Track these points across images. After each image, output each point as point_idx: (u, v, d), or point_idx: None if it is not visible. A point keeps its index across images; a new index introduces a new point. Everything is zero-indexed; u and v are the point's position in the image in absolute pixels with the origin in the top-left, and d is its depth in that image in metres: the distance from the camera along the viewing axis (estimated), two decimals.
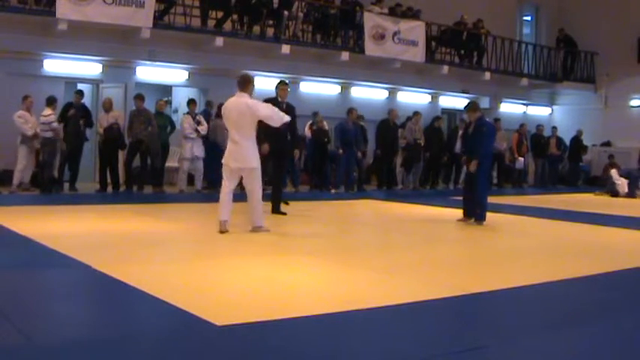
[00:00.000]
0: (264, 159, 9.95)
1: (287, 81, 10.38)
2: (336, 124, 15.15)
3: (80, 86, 15.02)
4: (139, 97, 12.92)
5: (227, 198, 7.83)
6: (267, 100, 10.44)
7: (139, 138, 12.62)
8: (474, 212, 9.65)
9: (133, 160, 12.90)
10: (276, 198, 9.98)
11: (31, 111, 11.93)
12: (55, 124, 11.96)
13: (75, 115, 12.28)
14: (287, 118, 8.07)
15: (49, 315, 4.34)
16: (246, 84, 7.93)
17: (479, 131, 9.58)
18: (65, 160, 12.39)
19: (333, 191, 14.54)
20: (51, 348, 3.60)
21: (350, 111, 14.89)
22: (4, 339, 3.71)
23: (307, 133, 14.86)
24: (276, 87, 10.00)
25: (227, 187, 7.87)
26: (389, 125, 15.75)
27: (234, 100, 7.88)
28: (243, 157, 7.77)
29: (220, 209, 7.80)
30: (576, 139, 19.58)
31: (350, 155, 14.63)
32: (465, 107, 10.14)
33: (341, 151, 14.52)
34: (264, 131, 9.56)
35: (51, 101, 12.12)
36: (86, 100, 15.01)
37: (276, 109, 8.02)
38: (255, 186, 7.90)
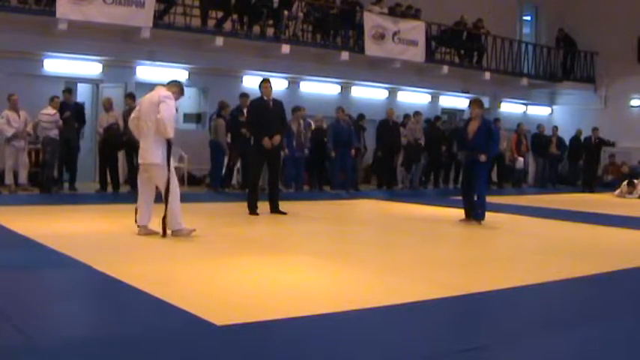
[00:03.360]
0: (256, 161, 9.97)
1: (269, 78, 10.30)
2: (329, 124, 15.08)
3: (80, 86, 15.05)
4: (130, 97, 12.93)
5: (140, 201, 7.57)
6: (253, 101, 10.48)
7: (132, 137, 12.59)
8: (475, 211, 9.63)
9: (131, 160, 12.89)
10: (273, 197, 9.98)
11: (17, 109, 11.88)
12: (60, 122, 11.97)
13: (69, 116, 12.25)
14: (170, 136, 7.31)
15: (50, 315, 4.33)
16: (172, 85, 7.66)
17: (486, 130, 9.55)
18: (62, 160, 12.37)
19: (333, 191, 14.54)
20: (51, 348, 3.60)
21: (338, 110, 14.86)
22: (4, 339, 3.71)
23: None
24: (260, 85, 9.97)
25: (140, 188, 7.65)
26: (388, 125, 15.75)
27: (150, 93, 7.65)
28: (144, 151, 7.47)
29: (138, 214, 7.57)
30: (576, 139, 19.56)
31: (343, 155, 14.59)
32: (472, 101, 10.00)
33: (333, 153, 14.45)
34: (256, 128, 9.62)
35: (52, 100, 12.14)
36: (86, 101, 15.07)
37: (172, 121, 7.36)
38: (161, 185, 7.41)
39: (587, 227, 9.96)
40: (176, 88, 7.65)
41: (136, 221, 7.50)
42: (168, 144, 7.36)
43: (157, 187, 7.53)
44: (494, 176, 17.81)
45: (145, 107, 7.50)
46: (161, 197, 7.40)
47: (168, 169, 7.32)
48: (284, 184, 13.93)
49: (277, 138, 9.71)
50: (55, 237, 7.04)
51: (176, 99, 7.59)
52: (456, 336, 4.21)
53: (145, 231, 7.51)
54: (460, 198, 10.26)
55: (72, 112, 12.36)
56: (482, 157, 9.43)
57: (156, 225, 7.40)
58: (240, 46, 15.24)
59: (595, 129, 18.28)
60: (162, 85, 7.68)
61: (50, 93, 12.43)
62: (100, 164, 13.00)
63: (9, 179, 11.88)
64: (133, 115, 7.77)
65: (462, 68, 19.17)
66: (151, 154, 7.37)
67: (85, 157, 13.89)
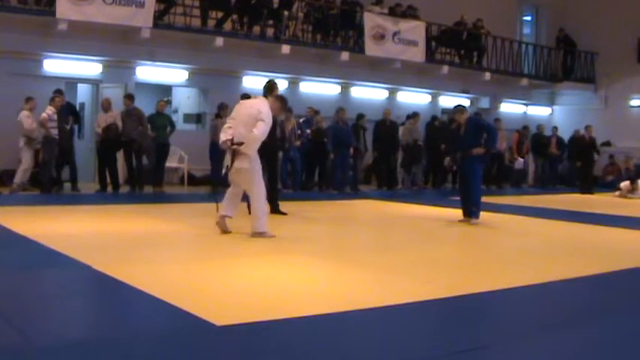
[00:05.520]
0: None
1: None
2: (328, 125, 15.07)
3: (80, 86, 15.06)
4: (129, 97, 12.94)
5: (228, 196, 7.79)
6: None
7: (131, 138, 12.62)
8: (470, 210, 9.68)
9: (130, 160, 12.90)
10: (273, 198, 9.97)
11: (33, 112, 11.93)
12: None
13: (60, 117, 12.24)
14: (249, 153, 7.45)
15: (49, 315, 4.34)
16: (276, 99, 7.91)
17: (474, 127, 9.64)
18: (59, 160, 12.37)
19: (335, 191, 14.55)
20: (51, 348, 3.60)
21: (339, 111, 14.89)
22: (4, 339, 3.71)
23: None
24: (266, 87, 9.89)
25: (231, 187, 7.82)
26: (385, 125, 15.75)
27: (251, 100, 7.88)
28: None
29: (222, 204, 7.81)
30: (574, 139, 19.49)
31: (343, 156, 14.59)
32: (453, 110, 10.25)
33: (332, 155, 14.47)
34: None
35: (53, 100, 12.12)
36: (86, 101, 15.08)
37: (259, 141, 7.50)
38: (247, 188, 7.64)
39: (588, 227, 9.97)
40: (279, 104, 7.84)
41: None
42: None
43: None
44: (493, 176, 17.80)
45: (242, 115, 7.60)
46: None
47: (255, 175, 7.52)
48: (282, 183, 13.92)
49: None
50: (55, 237, 7.04)
51: (275, 114, 7.76)
52: (455, 336, 4.20)
53: (222, 223, 7.64)
54: (459, 198, 10.28)
55: (63, 113, 12.31)
56: (476, 151, 9.54)
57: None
58: (240, 46, 15.24)
59: (588, 127, 17.74)
60: (264, 95, 7.84)
61: (50, 93, 12.42)
62: (99, 164, 13.00)
63: (19, 179, 11.89)
64: (227, 125, 7.74)
65: (462, 68, 19.16)
66: (240, 159, 7.46)
67: (84, 157, 13.90)
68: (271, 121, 7.64)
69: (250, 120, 7.46)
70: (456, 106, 10.34)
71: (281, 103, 7.91)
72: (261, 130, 7.42)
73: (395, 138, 15.79)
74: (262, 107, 7.54)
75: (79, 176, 12.69)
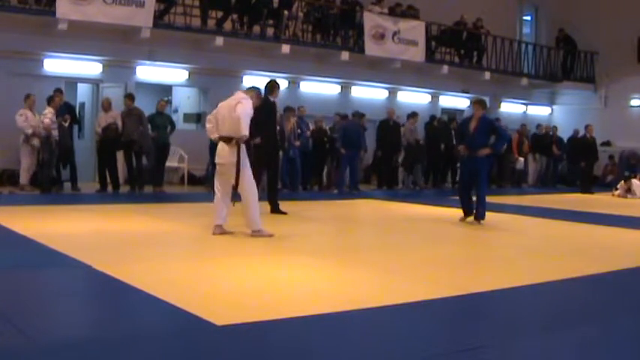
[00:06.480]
0: (256, 161, 9.94)
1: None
2: (338, 124, 15.13)
3: (80, 86, 15.05)
4: (129, 97, 12.93)
5: (216, 202, 7.73)
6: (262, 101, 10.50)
7: (131, 138, 12.61)
8: (476, 210, 9.61)
9: (130, 160, 12.89)
10: (272, 197, 9.98)
11: (33, 110, 11.93)
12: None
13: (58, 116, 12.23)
14: (243, 133, 7.43)
15: (50, 315, 4.34)
16: (249, 90, 8.01)
17: (486, 127, 9.53)
18: (59, 160, 12.37)
19: (335, 191, 14.55)
20: (51, 348, 3.60)
21: (354, 114, 15.09)
22: (4, 339, 3.71)
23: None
24: (267, 87, 9.89)
25: (217, 187, 7.75)
26: (388, 125, 15.77)
27: (230, 97, 7.88)
28: (223, 151, 7.60)
29: (214, 213, 7.75)
30: (574, 139, 19.46)
31: (352, 156, 14.63)
32: (474, 101, 10.03)
33: (343, 150, 14.52)
34: (255, 127, 9.62)
35: (52, 100, 12.12)
36: (86, 101, 15.07)
37: (247, 119, 7.47)
38: (241, 185, 7.54)
39: (588, 227, 9.97)
40: (253, 93, 7.94)
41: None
42: (247, 145, 7.60)
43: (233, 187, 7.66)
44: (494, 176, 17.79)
45: (223, 111, 7.67)
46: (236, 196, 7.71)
47: (240, 168, 7.46)
48: (282, 183, 13.92)
49: (257, 140, 9.54)
50: (55, 237, 7.04)
51: (253, 104, 7.75)
52: (455, 336, 4.21)
53: (220, 230, 7.65)
54: (458, 197, 10.25)
55: (62, 113, 12.31)
56: (482, 151, 9.41)
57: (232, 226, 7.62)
58: (240, 46, 15.25)
59: (588, 126, 17.64)
60: (241, 90, 7.95)
61: (50, 93, 12.41)
62: (99, 164, 13.00)
63: (24, 179, 11.89)
64: (209, 117, 7.97)
65: (462, 68, 19.17)
66: (232, 153, 7.47)
67: (84, 157, 13.89)
68: (250, 106, 7.54)
69: (231, 111, 7.52)
70: (477, 99, 10.11)
71: (253, 92, 7.94)
72: (239, 110, 7.38)
73: (398, 138, 15.80)
74: (238, 95, 7.71)
75: (79, 176, 12.68)
